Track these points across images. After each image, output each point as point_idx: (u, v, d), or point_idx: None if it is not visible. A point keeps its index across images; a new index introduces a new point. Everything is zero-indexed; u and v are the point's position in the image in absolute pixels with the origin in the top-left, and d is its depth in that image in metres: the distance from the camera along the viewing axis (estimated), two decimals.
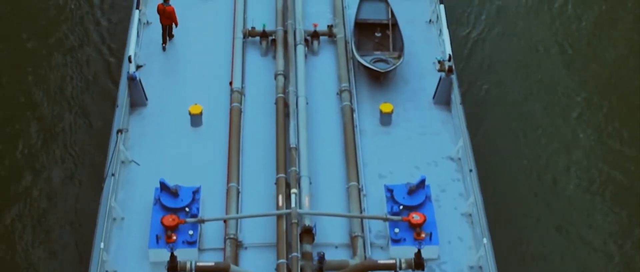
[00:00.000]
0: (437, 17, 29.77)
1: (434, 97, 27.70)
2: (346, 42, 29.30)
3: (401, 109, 27.38)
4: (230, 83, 27.75)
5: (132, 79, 26.90)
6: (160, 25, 29.76)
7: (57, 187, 29.83)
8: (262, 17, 30.39)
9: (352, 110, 26.71)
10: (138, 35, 29.08)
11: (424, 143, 26.44)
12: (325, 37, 29.77)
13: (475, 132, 29.88)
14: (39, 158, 30.82)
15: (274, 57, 28.93)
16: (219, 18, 30.91)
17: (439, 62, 27.40)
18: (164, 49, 29.76)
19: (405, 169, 25.51)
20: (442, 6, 29.02)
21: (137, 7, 29.16)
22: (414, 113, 27.43)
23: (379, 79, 28.19)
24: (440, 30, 28.90)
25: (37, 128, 31.90)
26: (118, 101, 27.21)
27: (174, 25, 29.87)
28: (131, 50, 27.22)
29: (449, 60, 27.10)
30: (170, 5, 29.57)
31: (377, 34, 29.81)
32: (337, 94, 27.64)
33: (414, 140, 26.55)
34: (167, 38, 29.90)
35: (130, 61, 26.76)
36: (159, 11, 29.70)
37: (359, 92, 27.85)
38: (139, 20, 29.36)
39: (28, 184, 29.89)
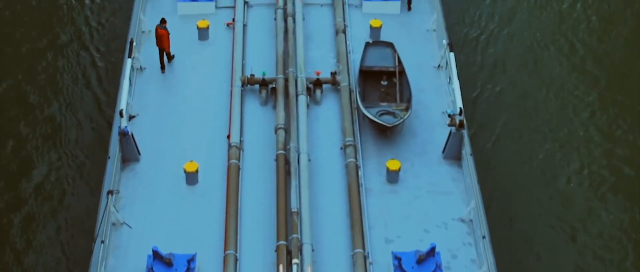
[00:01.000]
0: (446, 63, 28.30)
1: (443, 151, 26.16)
2: (351, 91, 27.81)
3: (409, 165, 25.83)
4: (228, 136, 26.25)
5: (123, 134, 25.37)
6: (157, 49, 29.14)
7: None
8: (261, 63, 28.95)
9: (357, 168, 25.18)
10: (131, 84, 27.60)
11: (434, 203, 24.89)
12: (329, 85, 28.29)
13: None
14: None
15: (274, 107, 27.44)
16: (217, 64, 29.44)
17: (450, 116, 25.87)
18: (162, 71, 29.12)
19: (414, 232, 23.95)
20: (452, 54, 27.51)
21: (130, 56, 27.64)
22: (423, 169, 25.88)
23: (385, 133, 26.66)
24: (450, 78, 27.44)
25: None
26: (109, 152, 25.76)
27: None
28: (123, 102, 25.67)
29: (460, 114, 25.58)
30: (164, 29, 28.75)
31: (383, 82, 28.29)
32: (341, 148, 26.12)
33: (422, 199, 25.00)
34: (165, 62, 29.18)
35: (121, 115, 25.23)
36: (156, 33, 28.82)
37: (365, 147, 26.31)
38: (132, 66, 27.90)
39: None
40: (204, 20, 30.36)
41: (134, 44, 28.32)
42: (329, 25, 30.95)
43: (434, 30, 30.98)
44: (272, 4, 31.57)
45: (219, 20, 31.07)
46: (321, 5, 31.85)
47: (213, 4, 31.41)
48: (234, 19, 30.75)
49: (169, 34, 28.94)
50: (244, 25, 30.62)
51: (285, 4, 30.86)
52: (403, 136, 26.79)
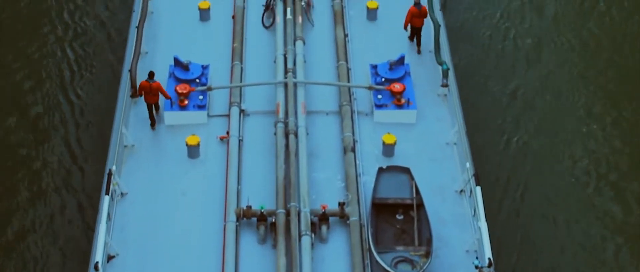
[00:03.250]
0: (471, 191, 24.75)
1: None
2: (361, 226, 24.22)
3: None
4: None
5: None
6: (145, 104, 27.56)
7: None
8: (259, 191, 25.38)
9: None
10: (109, 218, 24.06)
11: None
12: (336, 217, 24.70)
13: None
14: None
15: (274, 246, 23.85)
16: (209, 188, 25.79)
17: (478, 268, 22.30)
18: (153, 128, 27.54)
19: None
20: (478, 188, 23.95)
21: (107, 192, 24.03)
22: None
23: None
24: (475, 211, 23.89)
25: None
26: None
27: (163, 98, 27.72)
28: (99, 250, 22.14)
29: (490, 266, 22.00)
30: (156, 81, 27.09)
31: (399, 216, 24.63)
32: None
33: None
34: (155, 117, 27.68)
35: (97, 270, 21.72)
36: (143, 89, 27.08)
37: None
38: (112, 196, 24.39)
39: None
40: (194, 136, 26.76)
41: (113, 171, 24.73)
42: (336, 139, 27.30)
43: (455, 143, 27.38)
44: (272, 112, 27.95)
45: (211, 132, 27.45)
46: (327, 114, 28.22)
47: (204, 112, 27.80)
48: (228, 132, 27.18)
49: (159, 85, 27.08)
50: (240, 140, 27.03)
51: (286, 116, 27.26)
52: None
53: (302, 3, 31.37)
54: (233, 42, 30.13)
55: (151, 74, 27.31)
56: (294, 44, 29.72)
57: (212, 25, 31.58)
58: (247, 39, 30.78)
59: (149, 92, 27.28)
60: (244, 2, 32.07)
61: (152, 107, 27.67)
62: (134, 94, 28.17)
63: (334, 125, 27.78)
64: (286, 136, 26.59)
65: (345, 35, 30.61)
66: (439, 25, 29.95)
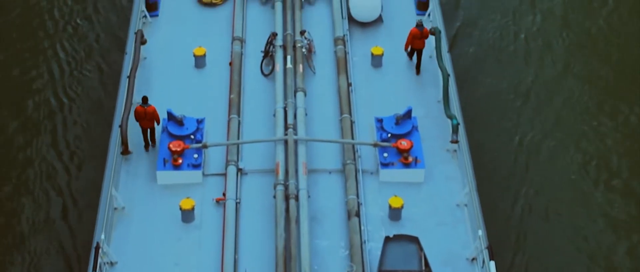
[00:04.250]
0: (484, 261, 23.14)
1: None
2: None
3: None
4: None
5: None
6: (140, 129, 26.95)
7: None
8: (258, 261, 23.78)
9: None
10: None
11: None
12: None
13: None
14: None
15: None
16: (204, 257, 24.12)
17: None
18: (146, 150, 27.08)
19: None
20: (492, 263, 22.32)
21: (94, 269, 22.38)
22: None
23: None
24: None
25: None
26: None
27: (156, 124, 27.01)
28: None
29: None
30: (150, 106, 26.46)
31: None
32: None
33: None
34: (150, 142, 27.09)
35: None
36: (138, 115, 26.47)
37: None
38: (100, 270, 22.83)
39: None
40: (189, 200, 25.11)
41: (102, 242, 23.10)
42: (340, 202, 25.60)
43: (466, 205, 25.74)
44: (271, 171, 26.29)
45: (206, 193, 25.79)
46: (330, 172, 26.58)
47: (199, 172, 26.15)
48: (224, 194, 25.55)
49: (154, 110, 26.48)
50: (237, 203, 25.38)
51: (286, 178, 25.59)
52: None
53: (303, 50, 29.76)
54: (230, 93, 28.50)
55: (145, 99, 26.52)
56: (295, 96, 28.10)
57: (208, 72, 29.95)
58: (245, 88, 29.14)
59: (144, 118, 26.50)
60: (241, 47, 30.43)
61: (148, 131, 26.85)
62: (125, 151, 26.61)
63: (337, 185, 26.12)
64: (286, 199, 24.96)
65: (349, 85, 28.99)
66: (448, 75, 28.38)
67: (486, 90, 34.43)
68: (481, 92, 34.21)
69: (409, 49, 29.97)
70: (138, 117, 26.73)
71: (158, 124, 26.93)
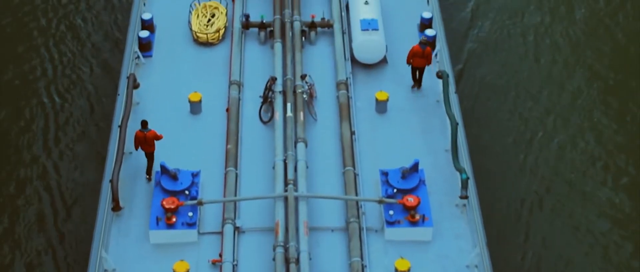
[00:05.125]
0: None
1: None
2: None
3: None
4: None
5: None
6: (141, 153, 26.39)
7: None
8: None
9: None
10: None
11: None
12: None
13: None
14: None
15: None
16: None
17: None
18: (148, 180, 26.29)
19: None
20: None
21: None
22: None
23: None
24: None
25: None
26: None
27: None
28: None
29: None
30: (150, 130, 25.85)
31: None
32: None
33: None
34: (147, 175, 26.41)
35: None
36: (138, 140, 25.87)
37: None
38: None
39: None
40: (183, 262, 23.66)
41: None
42: (343, 264, 24.14)
43: (476, 266, 24.30)
44: (270, 229, 24.85)
45: (202, 254, 24.34)
46: (332, 230, 25.14)
47: (195, 231, 24.72)
48: (220, 255, 24.11)
49: (154, 134, 25.85)
50: (234, 265, 23.94)
51: (286, 239, 24.13)
52: None
53: (304, 96, 28.32)
54: (227, 144, 27.06)
55: (144, 123, 25.88)
56: (295, 147, 26.65)
57: (203, 119, 28.49)
58: (243, 138, 27.70)
59: (144, 143, 25.92)
60: (239, 93, 28.98)
61: (149, 156, 26.29)
62: (116, 208, 25.19)
63: (340, 245, 24.67)
64: (286, 262, 23.52)
65: (352, 133, 27.54)
66: (457, 123, 26.98)
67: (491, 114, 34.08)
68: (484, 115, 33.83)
69: (410, 65, 28.92)
70: (138, 142, 25.75)
71: (161, 138, 26.15)
